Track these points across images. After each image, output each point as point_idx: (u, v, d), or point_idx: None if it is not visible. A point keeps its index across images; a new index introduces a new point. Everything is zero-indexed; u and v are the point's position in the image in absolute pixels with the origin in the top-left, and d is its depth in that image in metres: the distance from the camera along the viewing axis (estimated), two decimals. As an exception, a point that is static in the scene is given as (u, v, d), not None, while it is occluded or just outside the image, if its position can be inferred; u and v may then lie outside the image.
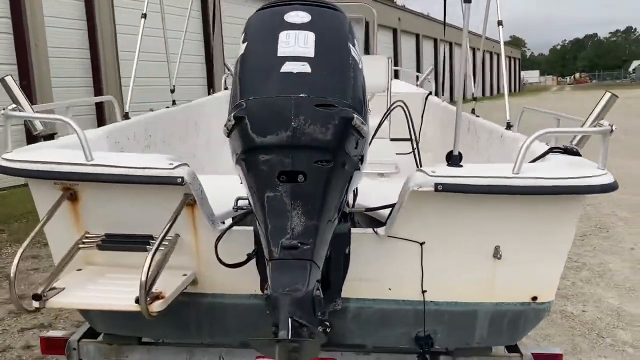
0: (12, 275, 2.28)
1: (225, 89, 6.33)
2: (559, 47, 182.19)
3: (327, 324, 2.25)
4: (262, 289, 2.34)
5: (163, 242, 2.34)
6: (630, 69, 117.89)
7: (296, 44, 1.95)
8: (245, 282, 2.49)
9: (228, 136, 1.94)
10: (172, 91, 5.04)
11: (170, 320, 2.56)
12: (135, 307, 2.17)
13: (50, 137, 2.89)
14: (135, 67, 4.35)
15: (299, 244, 1.80)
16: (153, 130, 4.24)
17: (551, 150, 2.74)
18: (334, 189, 1.89)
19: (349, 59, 2.01)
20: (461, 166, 2.42)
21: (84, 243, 2.50)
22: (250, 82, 1.94)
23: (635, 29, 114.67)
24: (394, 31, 31.31)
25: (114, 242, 2.50)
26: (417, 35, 35.99)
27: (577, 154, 2.65)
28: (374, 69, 4.90)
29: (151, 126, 4.21)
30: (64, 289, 2.34)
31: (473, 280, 2.55)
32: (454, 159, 2.44)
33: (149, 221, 2.44)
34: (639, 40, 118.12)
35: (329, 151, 1.84)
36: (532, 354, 2.73)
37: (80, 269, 2.59)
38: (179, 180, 2.29)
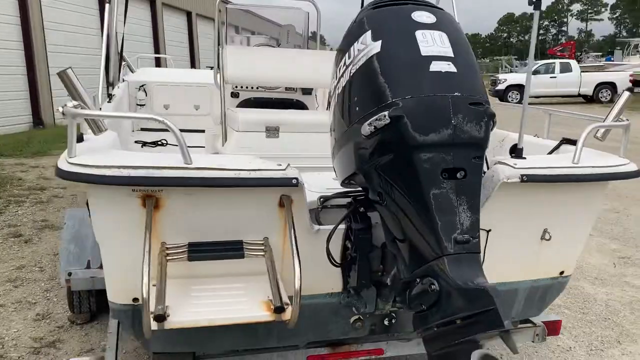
0: (144, 295, 1.97)
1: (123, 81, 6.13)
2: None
3: None
4: (344, 287, 2.57)
5: (258, 247, 2.30)
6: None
7: (434, 44, 1.98)
8: (322, 282, 2.46)
9: (370, 135, 1.94)
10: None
11: (238, 328, 2.39)
12: (272, 317, 2.12)
13: (80, 138, 2.46)
14: None
15: (470, 238, 1.87)
16: None
17: (562, 142, 3.14)
18: (481, 184, 1.99)
19: (474, 58, 2.11)
20: (524, 158, 2.61)
21: (168, 254, 2.21)
22: (400, 80, 1.94)
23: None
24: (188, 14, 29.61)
25: (203, 251, 2.27)
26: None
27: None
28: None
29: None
30: (167, 306, 2.05)
31: (520, 261, 2.78)
32: (518, 152, 2.66)
33: (235, 226, 2.35)
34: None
35: (482, 148, 1.95)
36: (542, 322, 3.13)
37: (154, 285, 2.28)
38: (294, 181, 2.25)
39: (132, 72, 7.35)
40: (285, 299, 2.17)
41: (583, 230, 2.91)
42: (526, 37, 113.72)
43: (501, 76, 27.94)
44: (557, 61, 27.67)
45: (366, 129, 1.95)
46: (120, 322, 2.66)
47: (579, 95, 26.07)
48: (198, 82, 6.86)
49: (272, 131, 3.97)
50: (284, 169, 2.27)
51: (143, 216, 2.22)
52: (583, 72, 26.41)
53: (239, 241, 2.32)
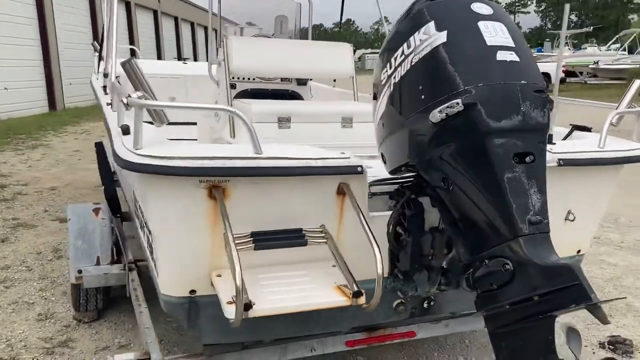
0: (238, 284, 1.96)
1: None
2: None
3: None
4: (391, 271, 2.64)
5: (318, 234, 2.38)
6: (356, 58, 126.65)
7: (497, 34, 2.07)
8: (371, 266, 2.47)
9: (440, 122, 2.01)
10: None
11: (291, 317, 2.39)
12: (349, 302, 2.21)
13: (127, 130, 2.43)
14: None
15: (542, 219, 2.00)
16: None
17: (574, 128, 3.37)
18: (546, 167, 2.09)
19: (529, 48, 2.23)
20: (554, 144, 2.77)
21: (237, 244, 2.17)
22: (470, 69, 2.03)
23: (354, 21, 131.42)
24: (155, 12, 30.93)
25: (267, 240, 2.30)
26: (176, 18, 35.54)
27: (589, 130, 3.31)
28: (340, 56, 4.93)
29: None
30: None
31: None
32: (549, 138, 2.69)
33: (293, 215, 2.41)
34: (357, 32, 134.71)
35: (546, 133, 2.06)
36: None
37: (220, 274, 2.36)
38: (359, 169, 2.35)
39: None
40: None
41: (601, 210, 3.14)
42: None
43: None
44: None
45: (436, 116, 2.01)
46: (174, 315, 2.64)
47: None
48: (172, 73, 6.77)
49: (284, 122, 4.01)
50: (349, 157, 2.35)
51: (207, 207, 2.26)
52: None
53: (299, 229, 2.37)
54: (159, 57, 29.02)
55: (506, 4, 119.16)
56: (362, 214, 2.33)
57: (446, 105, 1.99)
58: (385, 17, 5.72)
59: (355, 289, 2.20)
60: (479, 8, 2.14)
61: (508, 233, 1.98)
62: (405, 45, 2.21)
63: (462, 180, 2.07)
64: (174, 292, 2.49)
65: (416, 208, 2.52)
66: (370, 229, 2.28)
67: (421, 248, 2.56)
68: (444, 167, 2.12)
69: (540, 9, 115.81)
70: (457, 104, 1.96)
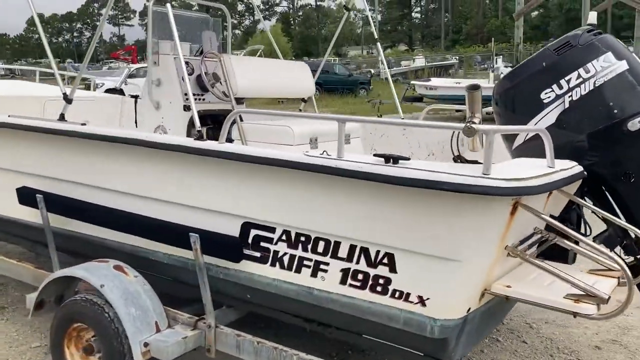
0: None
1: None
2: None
3: None
4: None
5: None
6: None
7: None
8: None
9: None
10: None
11: None
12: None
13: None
14: None
15: None
16: None
17: None
18: None
19: None
20: None
21: (518, 254, 2.65)
22: None
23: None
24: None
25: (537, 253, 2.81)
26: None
27: None
28: (304, 74, 5.19)
29: None
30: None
31: None
32: None
33: None
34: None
35: None
36: None
37: (509, 285, 2.77)
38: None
39: None
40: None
41: None
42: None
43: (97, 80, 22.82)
44: None
45: (636, 125, 2.75)
46: (445, 339, 2.70)
47: None
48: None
49: (314, 142, 4.06)
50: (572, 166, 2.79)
51: (504, 224, 2.48)
52: None
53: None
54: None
55: (110, 15, 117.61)
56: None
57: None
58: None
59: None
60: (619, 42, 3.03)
61: None
62: (581, 70, 2.87)
63: None
64: (452, 314, 2.62)
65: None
66: None
67: None
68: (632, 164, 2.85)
69: (144, 22, 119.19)
70: None
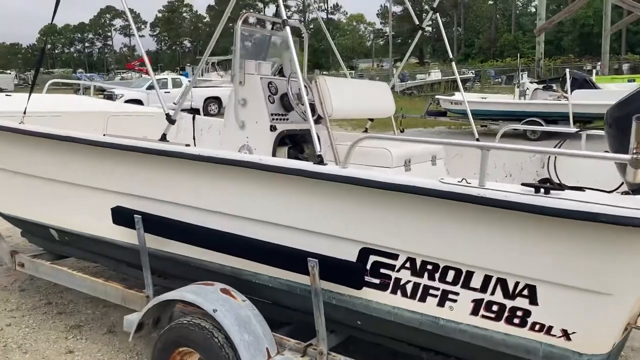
0: None
1: None
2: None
3: None
4: None
5: None
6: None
7: None
8: None
9: None
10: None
11: None
12: None
13: None
14: None
15: None
16: None
17: None
18: None
19: None
20: None
21: None
22: None
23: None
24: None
25: None
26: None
27: None
28: (386, 94, 5.20)
29: None
30: None
31: None
32: None
33: None
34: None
35: None
36: None
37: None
38: None
39: None
40: None
41: None
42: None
43: (117, 91, 24.84)
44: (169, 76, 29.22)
45: None
46: None
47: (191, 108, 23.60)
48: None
49: (408, 164, 4.01)
50: None
51: None
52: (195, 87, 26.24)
53: None
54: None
55: (120, 26, 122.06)
56: None
57: None
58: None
59: None
60: None
61: None
62: None
63: None
64: (600, 349, 2.58)
65: None
66: None
67: None
68: None
69: (155, 33, 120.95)
70: None
